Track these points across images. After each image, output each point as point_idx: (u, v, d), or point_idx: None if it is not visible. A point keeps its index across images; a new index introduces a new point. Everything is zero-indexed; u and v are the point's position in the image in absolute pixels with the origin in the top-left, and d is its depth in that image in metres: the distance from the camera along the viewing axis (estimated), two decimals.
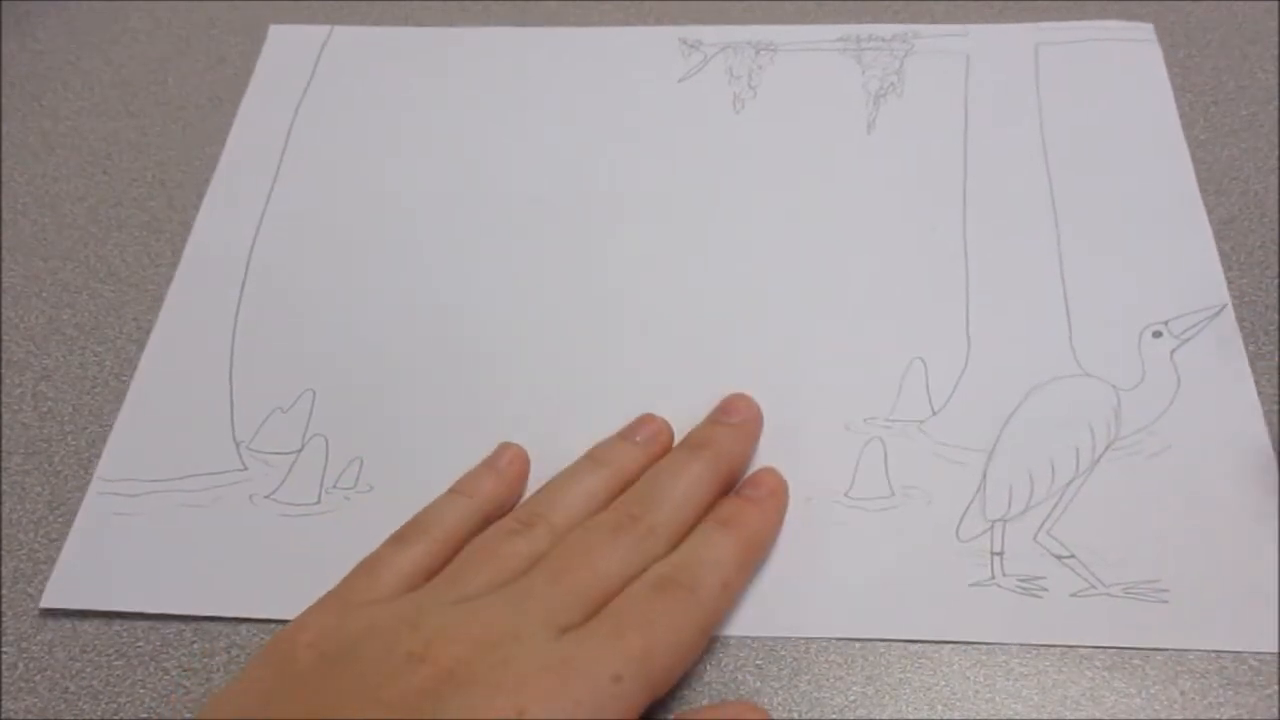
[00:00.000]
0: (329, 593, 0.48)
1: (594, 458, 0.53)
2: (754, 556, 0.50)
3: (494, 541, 0.48)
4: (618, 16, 0.75)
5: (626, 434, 0.54)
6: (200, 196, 0.67)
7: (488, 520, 0.51)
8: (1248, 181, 0.63)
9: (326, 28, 0.75)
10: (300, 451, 0.56)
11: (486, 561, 0.47)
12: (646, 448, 0.53)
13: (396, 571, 0.48)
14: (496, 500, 0.52)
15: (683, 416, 0.55)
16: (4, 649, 0.51)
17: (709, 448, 0.52)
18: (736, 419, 0.54)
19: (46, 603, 0.52)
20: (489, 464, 0.54)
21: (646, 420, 0.54)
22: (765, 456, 0.54)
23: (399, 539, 0.50)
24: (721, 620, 0.49)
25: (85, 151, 0.70)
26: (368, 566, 0.48)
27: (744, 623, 0.50)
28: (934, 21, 0.72)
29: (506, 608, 0.44)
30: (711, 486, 0.51)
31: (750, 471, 0.53)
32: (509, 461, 0.54)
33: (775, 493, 0.52)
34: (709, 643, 0.49)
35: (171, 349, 0.60)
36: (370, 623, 0.44)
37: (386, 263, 0.63)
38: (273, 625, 0.50)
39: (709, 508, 0.51)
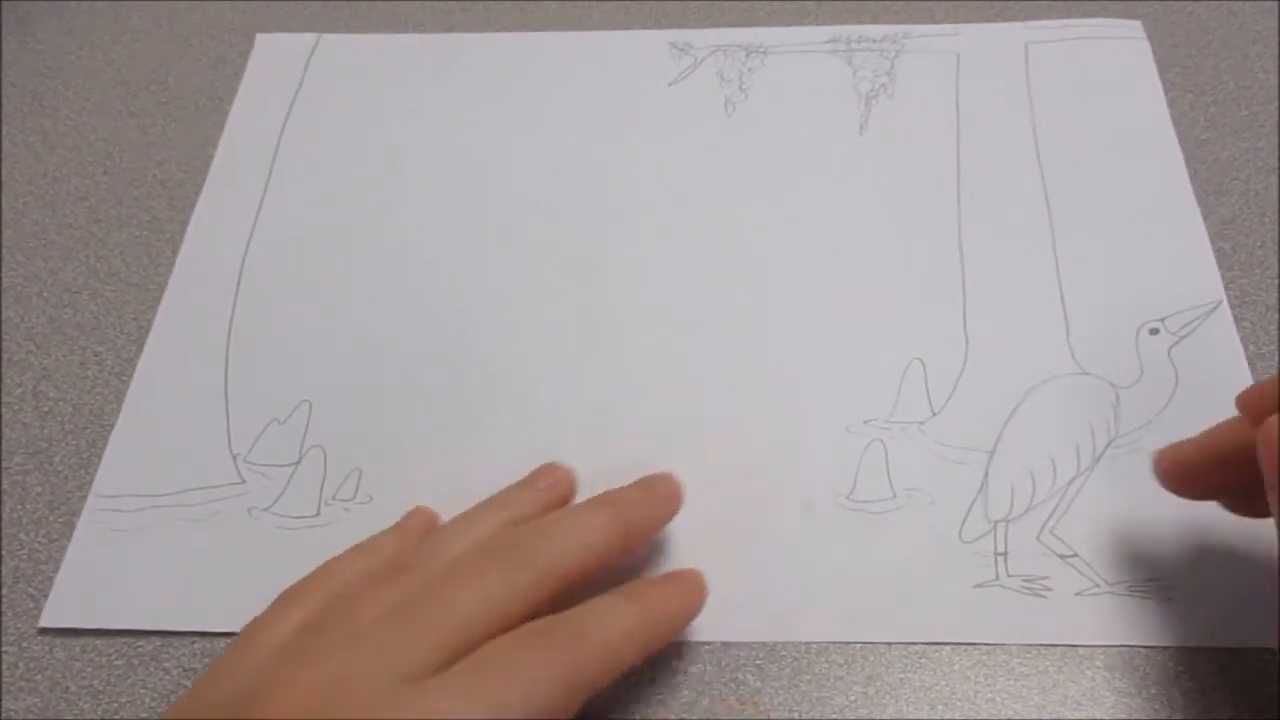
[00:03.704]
0: (211, 662, 0.46)
1: (491, 503, 0.49)
2: (652, 634, 0.45)
3: (360, 590, 0.44)
4: (615, 19, 0.73)
5: (527, 482, 0.51)
6: (200, 196, 0.65)
7: None
8: (1248, 182, 0.62)
9: (314, 36, 0.73)
10: (298, 464, 0.55)
11: (347, 610, 0.43)
12: (546, 495, 0.50)
13: (275, 636, 0.43)
14: (396, 561, 0.48)
15: (682, 421, 0.54)
16: (4, 649, 0.50)
17: (616, 505, 0.48)
18: (653, 488, 0.50)
19: (45, 622, 0.50)
20: (396, 526, 0.50)
21: (548, 469, 0.51)
22: (768, 460, 0.53)
23: (284, 601, 0.46)
24: (600, 685, 0.43)
25: (85, 151, 0.68)
26: (246, 634, 0.44)
27: (747, 628, 0.49)
28: (924, 21, 0.70)
29: (342, 653, 0.41)
30: (605, 539, 0.46)
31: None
32: (417, 524, 0.51)
33: (692, 588, 0.47)
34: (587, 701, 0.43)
35: (165, 362, 0.59)
36: (230, 673, 0.42)
37: (379, 271, 0.61)
38: None
39: (600, 565, 0.46)
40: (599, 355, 0.57)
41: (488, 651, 0.41)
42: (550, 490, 0.50)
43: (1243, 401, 0.43)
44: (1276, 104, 0.66)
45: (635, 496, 0.49)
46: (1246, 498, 0.46)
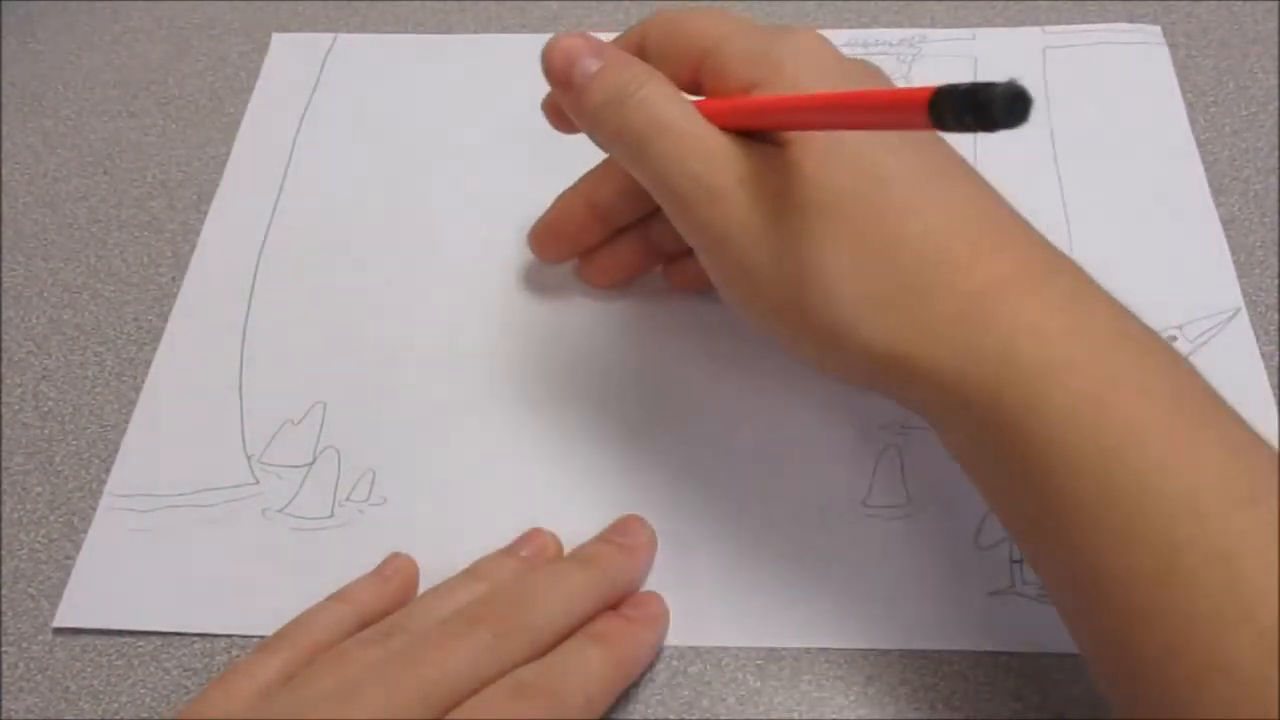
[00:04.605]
0: (186, 706, 0.46)
1: (471, 572, 0.50)
2: (624, 676, 0.47)
3: (348, 648, 0.45)
4: (614, 19, 0.75)
5: (511, 549, 0.51)
6: (201, 196, 0.66)
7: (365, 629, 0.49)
8: (1248, 182, 0.63)
9: (330, 36, 0.74)
10: (312, 464, 0.55)
11: (333, 668, 0.44)
12: (529, 563, 0.51)
13: (254, 683, 0.44)
14: (376, 609, 0.49)
15: (695, 424, 0.55)
16: (5, 649, 0.51)
17: (595, 564, 0.49)
18: (628, 540, 0.51)
19: (60, 622, 0.51)
20: (374, 572, 0.51)
21: (533, 535, 0.52)
22: (784, 466, 0.54)
23: (264, 648, 0.47)
24: None
25: (86, 151, 0.69)
26: (224, 678, 0.45)
27: (758, 634, 0.50)
28: (940, 25, 0.72)
29: (333, 704, 0.42)
30: (590, 602, 0.48)
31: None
32: (394, 570, 0.51)
33: (656, 617, 0.49)
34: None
35: (180, 361, 0.60)
36: (208, 715, 0.43)
37: (394, 272, 0.62)
38: None
39: (584, 623, 0.48)
40: (613, 356, 0.58)
41: (472, 709, 0.42)
42: (535, 557, 0.51)
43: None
44: (1276, 104, 0.67)
45: (612, 551, 0.50)
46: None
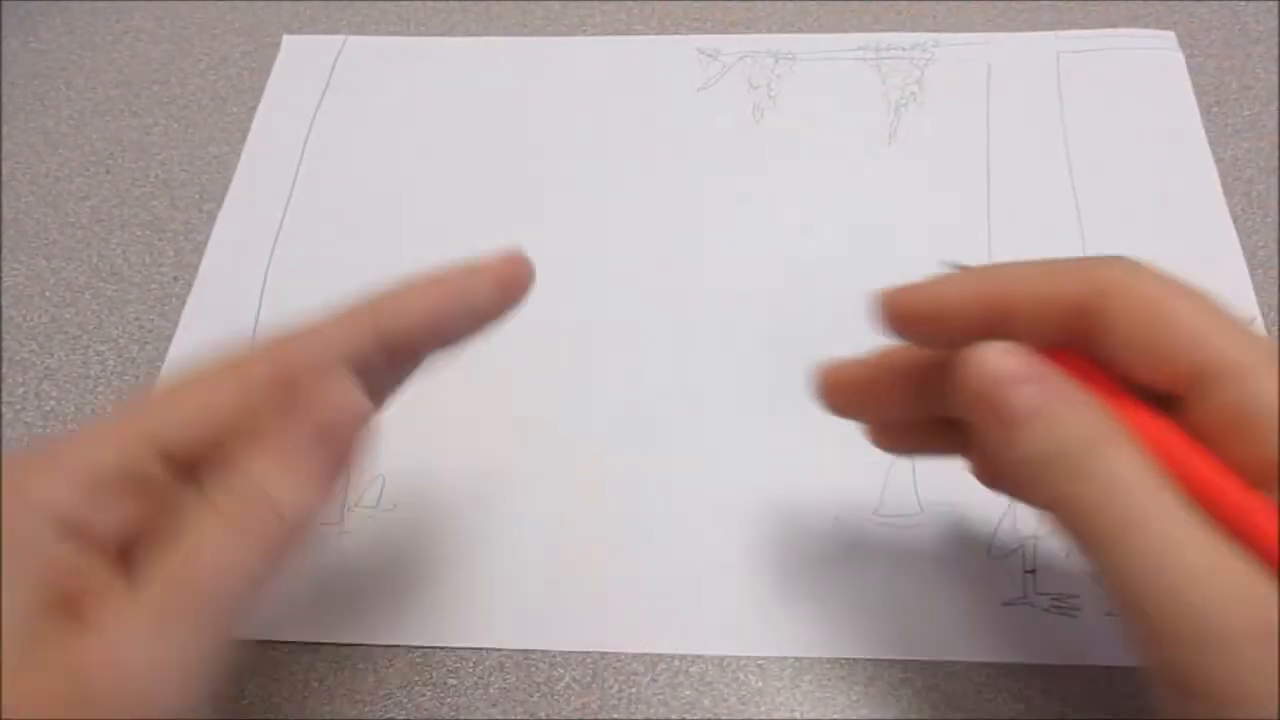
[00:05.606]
0: None
1: None
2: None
3: None
4: (615, 19, 0.74)
5: None
6: (203, 196, 0.66)
7: None
8: (1251, 182, 0.63)
9: (340, 38, 0.74)
10: None
11: None
12: None
13: None
14: None
15: (708, 432, 0.55)
16: None
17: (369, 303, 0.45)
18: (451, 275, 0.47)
19: None
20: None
21: None
22: (795, 476, 0.54)
23: None
24: None
25: (88, 151, 0.69)
26: None
27: (772, 643, 0.50)
28: (952, 30, 0.71)
29: None
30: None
31: None
32: None
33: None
34: None
35: (189, 365, 0.58)
36: None
37: (405, 276, 0.61)
38: (294, 646, 0.50)
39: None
40: (623, 361, 0.58)
41: None
42: None
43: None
44: (1277, 104, 0.67)
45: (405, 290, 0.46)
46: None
